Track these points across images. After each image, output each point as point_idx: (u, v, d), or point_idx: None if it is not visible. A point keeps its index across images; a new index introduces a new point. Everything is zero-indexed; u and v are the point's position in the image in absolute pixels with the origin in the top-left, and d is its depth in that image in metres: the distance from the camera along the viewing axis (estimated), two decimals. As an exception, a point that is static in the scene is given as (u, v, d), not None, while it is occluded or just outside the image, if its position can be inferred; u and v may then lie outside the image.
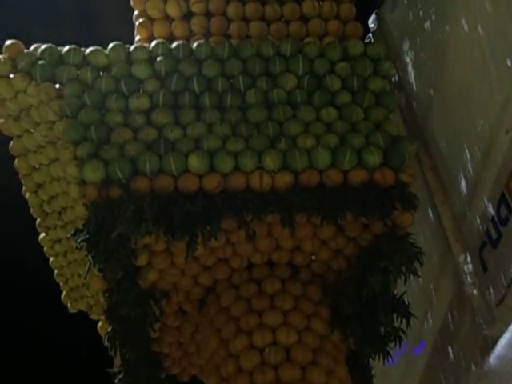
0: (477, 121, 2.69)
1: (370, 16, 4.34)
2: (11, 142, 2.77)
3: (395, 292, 2.64)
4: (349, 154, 2.39)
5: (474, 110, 2.73)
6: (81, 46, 2.63)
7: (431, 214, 3.17)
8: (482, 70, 2.62)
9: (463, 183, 2.82)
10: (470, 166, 2.77)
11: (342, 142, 2.47)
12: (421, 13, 3.43)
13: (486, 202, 2.59)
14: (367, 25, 4.33)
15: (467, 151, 2.78)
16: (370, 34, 4.29)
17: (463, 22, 2.80)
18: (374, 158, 2.39)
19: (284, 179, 2.39)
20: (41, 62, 2.51)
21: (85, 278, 2.61)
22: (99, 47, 2.62)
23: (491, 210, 2.51)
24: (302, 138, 2.46)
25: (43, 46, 2.56)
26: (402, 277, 2.47)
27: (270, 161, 2.39)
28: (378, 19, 4.24)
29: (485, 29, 2.59)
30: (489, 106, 2.58)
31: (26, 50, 2.55)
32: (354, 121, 2.54)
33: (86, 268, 2.46)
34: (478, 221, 2.69)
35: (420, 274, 2.59)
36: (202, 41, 2.71)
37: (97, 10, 4.20)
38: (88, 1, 4.24)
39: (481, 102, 2.65)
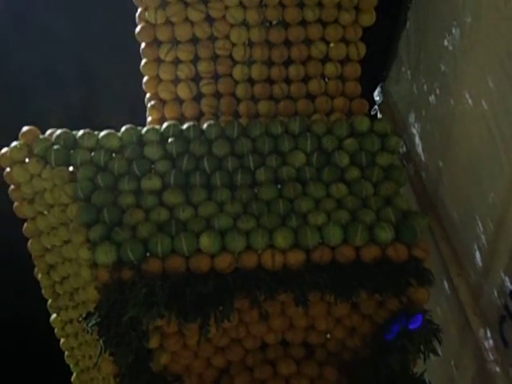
0: (487, 193, 2.69)
1: (375, 88, 4.47)
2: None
3: (415, 370, 2.56)
4: (360, 230, 2.38)
5: (484, 182, 2.73)
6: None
7: (447, 287, 3.11)
8: (489, 143, 2.64)
9: (478, 255, 2.79)
10: (483, 237, 2.74)
11: (353, 218, 2.47)
12: (425, 87, 3.51)
13: (502, 275, 2.55)
14: (373, 96, 4.45)
15: (480, 223, 2.77)
16: (376, 107, 4.39)
17: (467, 96, 2.86)
18: (385, 234, 2.38)
19: (296, 257, 2.38)
20: (56, 147, 2.57)
21: (96, 361, 2.56)
22: (112, 130, 2.69)
23: (508, 285, 2.47)
24: (313, 214, 2.47)
25: (58, 131, 2.64)
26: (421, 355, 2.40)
27: (282, 239, 2.38)
28: (383, 92, 4.36)
29: (489, 104, 2.64)
30: (498, 179, 2.59)
31: (41, 136, 2.63)
32: (364, 196, 2.55)
33: (97, 351, 2.42)
34: (496, 294, 2.63)
35: (439, 349, 2.51)
36: (211, 121, 2.77)
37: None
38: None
39: (490, 175, 2.66)
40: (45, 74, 4.18)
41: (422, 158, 3.53)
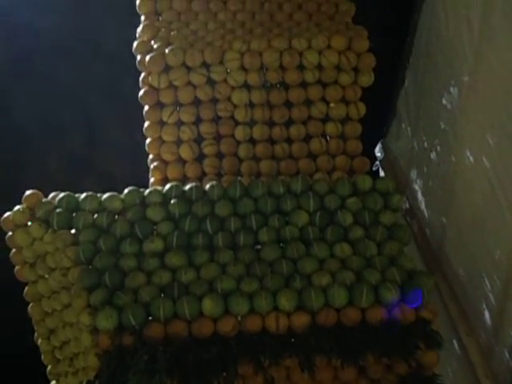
0: (493, 250, 2.66)
1: (376, 144, 4.52)
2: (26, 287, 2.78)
3: None
4: (366, 291, 2.34)
5: (489, 239, 2.71)
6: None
7: (457, 346, 3.03)
8: (492, 200, 2.64)
9: (487, 314, 2.73)
10: (491, 295, 2.70)
11: (357, 279, 2.43)
12: (425, 144, 3.55)
13: (512, 335, 2.49)
14: (374, 152, 4.49)
15: (487, 281, 2.72)
16: (378, 162, 4.42)
17: (468, 154, 2.88)
18: (391, 295, 2.33)
19: (300, 320, 2.32)
20: (58, 210, 2.58)
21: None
22: (115, 193, 2.69)
23: (519, 345, 2.40)
24: (317, 275, 2.43)
25: (61, 195, 2.65)
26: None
27: (286, 301, 2.34)
28: (384, 148, 4.40)
29: (490, 161, 2.66)
30: (503, 236, 2.57)
31: (44, 199, 2.63)
32: (368, 256, 2.52)
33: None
34: (507, 355, 2.56)
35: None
36: (214, 182, 2.78)
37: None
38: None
39: (495, 232, 2.64)
40: (46, 122, 4.27)
41: (426, 215, 3.52)
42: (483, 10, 2.79)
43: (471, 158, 2.86)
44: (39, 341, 2.86)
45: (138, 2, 3.33)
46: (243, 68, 3.03)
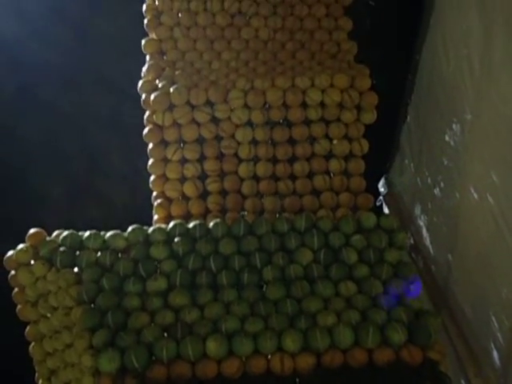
0: (500, 288, 2.63)
1: (379, 179, 4.52)
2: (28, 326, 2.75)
3: None
4: (372, 331, 2.30)
5: (496, 276, 2.68)
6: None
7: (465, 387, 2.97)
8: (498, 237, 2.62)
9: (495, 354, 2.68)
10: (499, 335, 2.65)
11: (363, 319, 2.40)
12: (429, 180, 3.55)
13: (522, 376, 2.44)
14: (377, 188, 4.49)
15: (494, 319, 2.68)
16: (381, 197, 4.42)
17: (472, 190, 2.87)
18: (398, 336, 2.30)
19: (306, 361, 2.28)
20: (62, 249, 2.57)
21: None
22: (119, 231, 2.69)
23: (530, 388, 2.35)
24: (322, 315, 2.40)
25: (65, 233, 2.64)
26: None
27: (291, 342, 2.30)
28: (388, 183, 4.40)
29: (494, 198, 2.65)
30: (509, 273, 2.54)
31: (48, 238, 2.63)
32: (373, 295, 2.49)
33: None
34: (517, 396, 2.50)
35: None
36: (217, 220, 2.77)
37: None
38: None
39: (501, 270, 2.61)
40: (49, 150, 4.30)
41: (431, 251, 3.49)
42: (483, 49, 2.82)
43: (475, 195, 2.85)
44: (40, 382, 2.81)
45: (143, 42, 3.38)
46: (247, 106, 3.06)
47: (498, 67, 2.68)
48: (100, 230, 2.71)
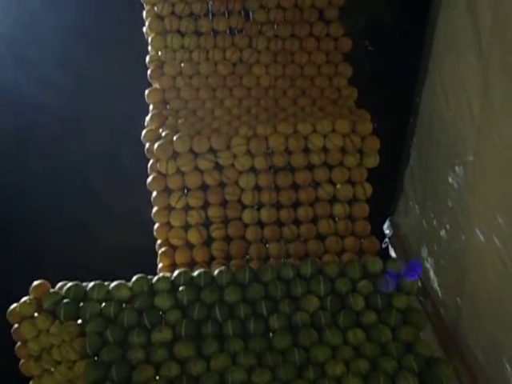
0: (512, 333, 2.57)
1: (384, 221, 4.50)
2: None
3: None
4: (382, 380, 2.25)
5: (507, 320, 2.62)
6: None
7: None
8: (507, 280, 2.58)
9: (511, 403, 2.59)
10: (515, 383, 2.58)
11: (373, 367, 2.35)
12: (434, 221, 3.52)
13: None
14: (382, 229, 4.47)
15: (508, 366, 2.61)
16: (387, 240, 4.38)
17: (478, 232, 2.84)
18: (409, 385, 2.24)
19: (315, 414, 2.23)
20: (65, 301, 2.54)
21: None
22: (123, 281, 2.67)
23: None
24: (331, 364, 2.35)
25: (69, 284, 2.62)
26: None
27: (299, 395, 2.25)
28: (393, 225, 4.37)
29: (501, 240, 2.62)
30: (522, 317, 2.49)
31: (52, 290, 2.61)
32: (383, 342, 2.44)
33: None
34: None
35: None
36: (222, 267, 2.75)
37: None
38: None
39: (512, 314, 2.56)
40: (47, 192, 4.31)
41: (439, 294, 3.43)
42: (482, 92, 2.85)
43: (482, 237, 2.83)
44: None
45: (146, 92, 3.44)
46: (250, 153, 3.09)
47: (498, 110, 2.69)
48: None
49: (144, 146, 3.16)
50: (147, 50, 3.55)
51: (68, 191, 4.44)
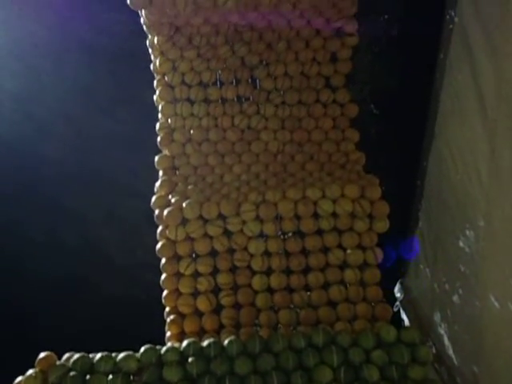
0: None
1: (395, 284, 4.43)
2: None
3: None
4: None
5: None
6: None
7: None
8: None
9: None
10: None
11: None
12: (446, 286, 3.47)
13: None
14: (393, 292, 4.40)
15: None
16: (398, 303, 4.31)
17: (493, 299, 2.79)
18: None
19: None
20: (72, 374, 2.48)
21: None
22: (131, 352, 2.61)
23: None
24: None
25: (76, 356, 2.57)
26: None
27: None
28: (404, 288, 4.31)
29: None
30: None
31: (58, 362, 2.55)
32: (399, 416, 2.36)
33: None
34: None
35: None
36: (232, 337, 2.69)
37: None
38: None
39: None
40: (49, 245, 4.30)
41: (455, 362, 3.33)
42: (489, 156, 2.87)
43: (496, 304, 2.77)
44: None
45: (156, 158, 3.49)
46: (259, 218, 3.09)
47: (506, 174, 2.70)
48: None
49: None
50: (149, 107, 3.64)
51: (70, 241, 4.44)
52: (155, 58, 3.49)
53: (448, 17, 3.25)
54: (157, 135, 3.55)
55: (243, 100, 3.61)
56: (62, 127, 4.28)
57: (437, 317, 3.63)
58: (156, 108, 3.63)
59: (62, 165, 4.31)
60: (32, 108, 4.25)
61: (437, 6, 3.27)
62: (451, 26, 3.23)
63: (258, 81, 3.63)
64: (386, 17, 3.51)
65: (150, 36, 3.42)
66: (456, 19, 3.17)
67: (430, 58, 3.50)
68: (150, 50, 3.49)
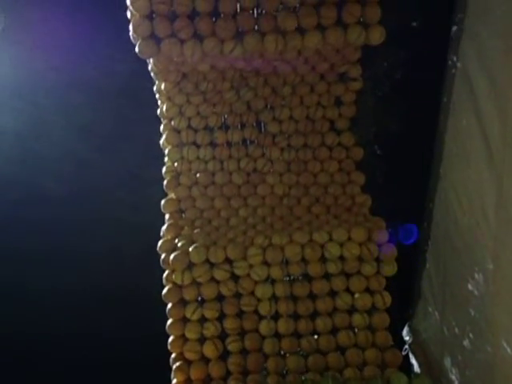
0: None
1: (403, 327, 4.36)
2: None
3: None
4: None
5: None
6: None
7: None
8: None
9: None
10: None
11: None
12: (456, 330, 3.41)
13: None
14: (401, 335, 4.32)
15: None
16: (407, 347, 4.23)
17: (505, 345, 2.74)
18: None
19: None
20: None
21: None
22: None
23: None
24: None
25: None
26: None
27: None
28: (412, 331, 4.24)
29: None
30: None
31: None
32: None
33: None
34: None
35: None
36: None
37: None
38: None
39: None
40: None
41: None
42: (496, 200, 2.86)
43: (508, 350, 2.72)
44: None
45: (162, 201, 3.49)
46: (266, 262, 3.06)
47: (514, 216, 2.69)
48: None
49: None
50: (148, 143, 3.69)
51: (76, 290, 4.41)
52: (162, 103, 3.54)
53: (450, 62, 3.30)
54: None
55: (248, 143, 3.64)
56: (64, 164, 4.32)
57: (447, 362, 3.56)
58: (157, 144, 3.67)
59: (62, 201, 4.33)
60: (34, 145, 4.30)
61: (439, 51, 3.33)
62: (454, 71, 3.28)
63: (263, 124, 3.67)
64: (389, 61, 3.57)
65: (157, 82, 3.47)
66: (459, 64, 3.22)
67: (434, 101, 3.54)
68: (157, 96, 3.54)
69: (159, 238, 3.26)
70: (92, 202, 4.37)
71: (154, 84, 3.51)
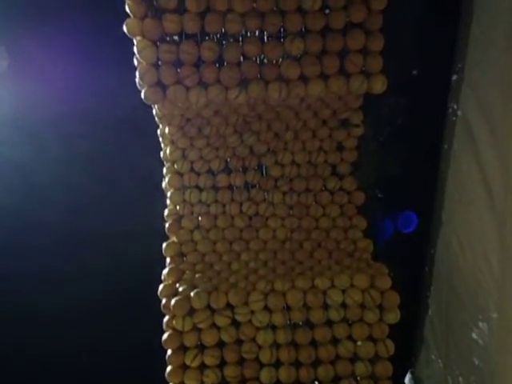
0: None
1: (405, 373, 4.29)
2: None
3: None
4: None
5: None
6: None
7: None
8: None
9: None
10: None
11: None
12: (460, 379, 3.36)
13: None
14: (403, 383, 4.25)
15: None
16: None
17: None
18: None
19: None
20: None
21: None
22: None
23: None
24: None
25: None
26: None
27: None
28: (414, 378, 4.18)
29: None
30: None
31: None
32: None
33: None
34: None
35: None
36: None
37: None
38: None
39: None
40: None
41: None
42: (500, 246, 2.86)
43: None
44: None
45: (164, 245, 3.48)
46: (267, 308, 3.03)
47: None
48: None
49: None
50: (148, 172, 3.73)
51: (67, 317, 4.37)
52: (165, 146, 3.57)
53: (451, 110, 3.35)
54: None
55: (250, 187, 3.66)
56: (62, 195, 4.33)
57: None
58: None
59: (62, 232, 4.31)
60: (32, 176, 4.32)
61: (440, 99, 3.39)
62: (454, 119, 3.32)
63: (265, 168, 3.69)
64: (390, 108, 3.62)
65: (161, 126, 3.51)
66: (459, 112, 3.27)
67: (434, 147, 3.59)
68: (161, 139, 3.57)
69: (157, 273, 3.27)
70: (91, 231, 4.36)
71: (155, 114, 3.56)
